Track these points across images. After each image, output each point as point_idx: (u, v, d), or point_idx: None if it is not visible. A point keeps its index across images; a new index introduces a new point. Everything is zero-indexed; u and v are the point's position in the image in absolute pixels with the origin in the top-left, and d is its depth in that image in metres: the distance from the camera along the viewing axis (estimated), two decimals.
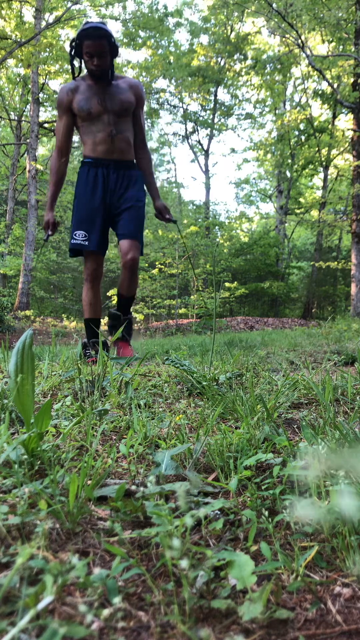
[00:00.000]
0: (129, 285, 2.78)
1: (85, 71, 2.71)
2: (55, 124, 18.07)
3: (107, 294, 14.39)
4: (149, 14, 18.10)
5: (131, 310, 3.02)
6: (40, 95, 15.30)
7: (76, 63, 2.74)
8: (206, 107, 22.49)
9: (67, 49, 2.47)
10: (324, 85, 17.20)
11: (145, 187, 2.86)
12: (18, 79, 17.25)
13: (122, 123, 2.67)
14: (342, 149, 17.41)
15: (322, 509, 0.64)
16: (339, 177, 19.43)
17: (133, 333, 2.98)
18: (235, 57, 19.61)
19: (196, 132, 23.29)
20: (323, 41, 13.82)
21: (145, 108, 2.91)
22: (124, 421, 1.22)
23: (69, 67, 14.96)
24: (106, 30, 2.48)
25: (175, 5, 21.85)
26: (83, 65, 2.69)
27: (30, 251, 14.12)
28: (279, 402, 1.37)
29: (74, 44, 2.56)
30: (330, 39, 13.13)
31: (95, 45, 2.49)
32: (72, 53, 2.60)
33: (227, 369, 2.00)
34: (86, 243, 2.67)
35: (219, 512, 0.75)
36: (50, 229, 2.82)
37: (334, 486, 0.66)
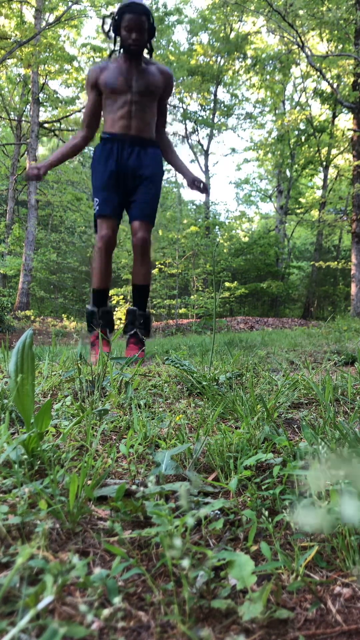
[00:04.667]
0: (140, 269, 2.78)
1: (115, 53, 2.75)
2: (55, 124, 17.84)
3: None
4: None
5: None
6: (40, 95, 15.30)
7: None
8: (206, 107, 22.49)
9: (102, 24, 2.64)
10: (324, 85, 17.21)
11: (169, 163, 2.92)
12: (18, 79, 17.24)
13: (144, 103, 2.69)
14: (342, 148, 17.41)
15: (323, 509, 0.64)
16: (339, 177, 19.42)
17: (151, 332, 2.88)
18: (234, 55, 19.58)
19: (196, 132, 23.27)
20: (322, 39, 13.81)
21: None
22: (124, 421, 1.22)
23: (70, 67, 14.85)
24: (147, 7, 2.56)
25: (175, 3, 21.78)
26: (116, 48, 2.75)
27: (30, 251, 14.12)
28: (279, 402, 1.37)
29: (111, 19, 2.62)
30: (330, 38, 13.12)
31: (136, 20, 2.54)
32: (109, 30, 2.66)
33: (227, 369, 1.99)
34: (101, 208, 2.71)
35: (219, 512, 0.75)
36: (34, 171, 2.70)
37: (333, 486, 0.66)
